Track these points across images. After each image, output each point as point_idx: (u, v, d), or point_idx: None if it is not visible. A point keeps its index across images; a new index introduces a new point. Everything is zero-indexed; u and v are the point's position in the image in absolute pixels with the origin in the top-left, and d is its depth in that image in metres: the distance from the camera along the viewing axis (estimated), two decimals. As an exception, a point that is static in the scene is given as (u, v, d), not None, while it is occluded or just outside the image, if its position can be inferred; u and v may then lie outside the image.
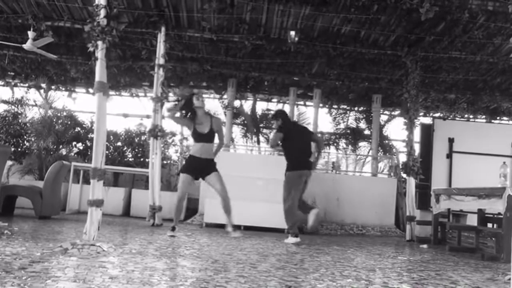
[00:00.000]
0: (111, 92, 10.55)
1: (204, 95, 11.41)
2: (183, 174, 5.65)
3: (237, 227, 6.12)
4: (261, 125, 11.77)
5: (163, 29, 7.24)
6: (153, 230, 6.16)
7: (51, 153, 9.56)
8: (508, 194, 4.95)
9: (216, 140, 5.79)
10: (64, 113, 10.24)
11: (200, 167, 5.63)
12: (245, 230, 6.90)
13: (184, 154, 10.11)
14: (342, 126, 12.15)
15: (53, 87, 10.80)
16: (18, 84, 10.96)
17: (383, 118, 11.76)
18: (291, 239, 5.69)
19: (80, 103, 16.10)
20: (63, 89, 11.07)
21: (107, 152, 9.09)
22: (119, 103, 13.89)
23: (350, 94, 10.77)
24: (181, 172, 5.74)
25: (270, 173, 7.22)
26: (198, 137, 5.64)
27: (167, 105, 5.70)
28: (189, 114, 5.63)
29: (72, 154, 10.08)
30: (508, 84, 9.36)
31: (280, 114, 6.22)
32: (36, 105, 10.58)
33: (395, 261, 4.62)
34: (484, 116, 11.38)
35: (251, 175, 7.47)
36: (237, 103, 10.96)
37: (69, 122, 10.01)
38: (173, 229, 5.61)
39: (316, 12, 6.99)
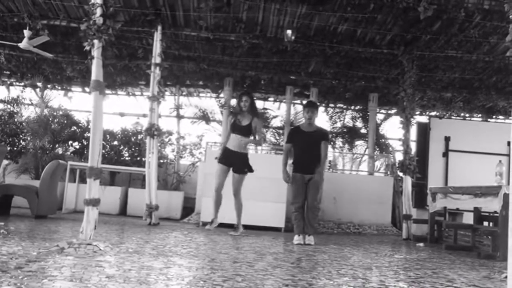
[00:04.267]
0: (107, 91, 10.51)
1: (201, 94, 11.47)
2: (218, 165, 6.06)
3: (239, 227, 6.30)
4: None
5: (159, 28, 7.22)
6: (150, 229, 6.15)
7: (47, 152, 9.52)
8: (504, 192, 4.96)
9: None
10: (60, 112, 10.20)
11: (232, 159, 6.00)
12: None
13: (180, 153, 10.10)
14: (338, 125, 12.16)
15: (49, 86, 10.75)
16: (14, 83, 10.91)
17: (380, 117, 11.78)
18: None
19: (76, 102, 16.08)
20: (59, 88, 11.03)
21: (103, 151, 9.08)
22: (115, 102, 13.83)
23: (346, 93, 10.78)
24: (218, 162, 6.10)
25: (267, 172, 7.21)
26: (235, 128, 6.06)
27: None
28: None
29: (68, 153, 10.04)
30: (504, 83, 9.39)
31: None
32: (32, 104, 10.54)
33: (392, 259, 4.63)
34: (480, 115, 11.40)
35: (248, 174, 7.46)
36: (233, 102, 10.96)
37: (65, 121, 9.97)
38: (211, 222, 6.13)
39: (313, 11, 6.99)
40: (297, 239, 5.56)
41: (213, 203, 6.10)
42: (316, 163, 5.75)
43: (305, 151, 5.81)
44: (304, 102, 11.38)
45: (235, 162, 5.99)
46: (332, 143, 12.09)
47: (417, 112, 10.99)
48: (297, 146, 5.87)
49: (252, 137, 6.08)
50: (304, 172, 5.74)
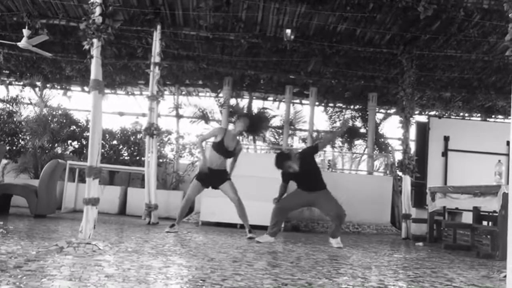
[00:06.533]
0: (107, 90, 10.52)
1: (200, 94, 11.47)
2: (195, 181, 5.94)
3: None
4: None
5: (158, 27, 7.23)
6: (149, 229, 6.15)
7: (47, 151, 9.52)
8: (503, 192, 4.96)
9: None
10: (60, 112, 10.20)
11: (213, 177, 5.86)
12: (240, 229, 6.90)
13: (180, 152, 10.10)
14: (338, 124, 12.15)
15: (48, 85, 10.75)
16: (13, 83, 10.90)
17: (379, 116, 11.77)
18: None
19: (75, 101, 16.04)
20: (58, 87, 11.03)
21: (102, 150, 9.07)
22: (114, 101, 13.86)
23: (346, 92, 10.79)
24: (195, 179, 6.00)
25: (266, 171, 7.19)
26: (221, 150, 5.83)
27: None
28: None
29: (68, 152, 10.04)
30: (503, 83, 9.40)
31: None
32: (31, 103, 10.54)
33: (391, 259, 4.63)
34: (479, 114, 11.41)
35: (247, 173, 7.46)
36: (233, 101, 10.96)
37: (64, 121, 9.97)
38: (172, 226, 5.89)
39: (312, 10, 6.99)
40: (267, 239, 5.33)
41: (180, 209, 5.98)
42: (317, 180, 5.36)
43: (302, 178, 5.32)
44: (304, 101, 11.42)
45: (216, 181, 5.87)
46: (331, 142, 12.07)
47: (416, 112, 10.99)
48: (294, 178, 5.38)
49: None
50: (309, 190, 5.34)
